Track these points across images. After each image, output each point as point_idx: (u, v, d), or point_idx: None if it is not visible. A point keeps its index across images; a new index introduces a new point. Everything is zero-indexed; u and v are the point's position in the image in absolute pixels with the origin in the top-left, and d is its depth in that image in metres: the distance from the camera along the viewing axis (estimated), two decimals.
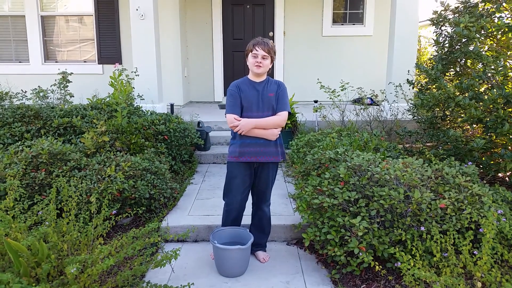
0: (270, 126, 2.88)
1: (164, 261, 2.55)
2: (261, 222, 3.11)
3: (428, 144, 4.70)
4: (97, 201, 3.22)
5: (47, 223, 2.59)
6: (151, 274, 2.87)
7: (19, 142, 4.19)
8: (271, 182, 3.06)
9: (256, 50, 2.82)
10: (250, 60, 2.87)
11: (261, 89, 2.90)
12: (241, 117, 2.87)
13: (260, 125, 2.86)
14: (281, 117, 2.90)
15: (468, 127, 4.43)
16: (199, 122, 5.65)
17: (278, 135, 2.95)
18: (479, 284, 2.39)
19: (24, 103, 5.34)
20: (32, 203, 3.28)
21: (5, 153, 3.74)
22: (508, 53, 4.23)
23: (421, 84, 4.95)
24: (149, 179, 3.70)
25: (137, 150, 4.37)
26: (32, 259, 2.27)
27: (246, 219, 3.27)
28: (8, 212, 2.64)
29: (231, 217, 3.07)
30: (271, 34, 8.28)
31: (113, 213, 3.03)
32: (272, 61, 2.91)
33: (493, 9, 4.19)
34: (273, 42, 8.19)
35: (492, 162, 3.82)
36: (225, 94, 8.51)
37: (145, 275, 2.86)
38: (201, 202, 4.00)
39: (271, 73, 8.37)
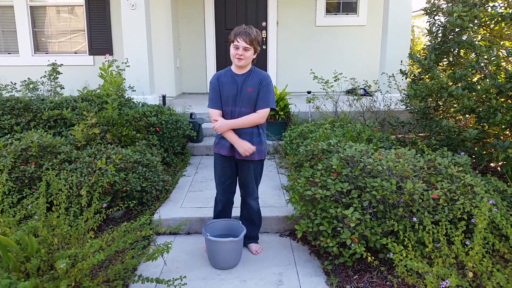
0: (246, 125, 2.79)
1: (156, 254, 2.53)
2: (250, 216, 3.08)
3: (420, 134, 4.70)
4: (87, 194, 3.19)
5: (36, 217, 2.56)
6: (143, 267, 2.85)
7: (9, 135, 4.13)
8: (256, 176, 2.98)
9: (238, 41, 2.66)
10: (232, 51, 2.72)
11: (241, 82, 2.77)
12: (222, 110, 2.83)
13: (236, 126, 2.78)
14: (259, 115, 2.77)
15: (461, 117, 4.43)
16: (191, 114, 5.60)
17: (260, 133, 2.87)
18: (471, 274, 2.40)
19: (14, 95, 5.26)
20: (22, 197, 3.24)
21: None
22: (501, 42, 4.22)
23: (414, 74, 4.93)
24: (140, 172, 3.67)
25: (128, 142, 4.33)
26: (21, 253, 2.24)
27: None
28: None
29: (217, 208, 3.07)
30: (264, 24, 8.21)
31: (104, 206, 3.00)
32: (256, 51, 2.75)
33: None
34: (261, 32, 8.11)
35: (484, 152, 3.82)
36: None
37: (137, 269, 2.84)
38: (194, 194, 3.97)
39: (264, 63, 8.32)
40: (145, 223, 2.80)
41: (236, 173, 3.00)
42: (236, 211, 3.26)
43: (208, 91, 8.41)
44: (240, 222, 3.08)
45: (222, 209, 3.09)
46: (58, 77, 5.91)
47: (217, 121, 2.80)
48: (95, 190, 3.23)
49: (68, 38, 8.08)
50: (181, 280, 2.47)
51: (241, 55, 2.68)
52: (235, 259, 2.92)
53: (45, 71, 5.97)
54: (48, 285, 2.11)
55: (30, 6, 7.84)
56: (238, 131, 2.81)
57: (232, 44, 2.72)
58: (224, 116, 2.84)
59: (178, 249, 3.14)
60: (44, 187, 2.69)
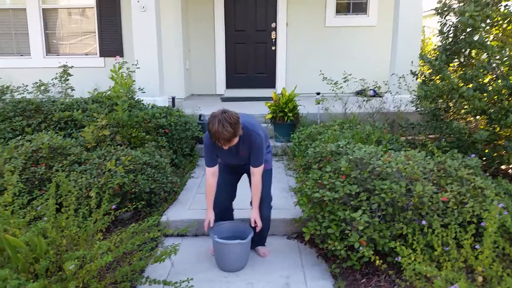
0: (260, 189, 2.91)
1: (164, 256, 2.54)
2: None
3: (430, 136, 4.65)
4: (97, 196, 3.21)
5: (46, 218, 2.58)
6: (150, 269, 2.87)
7: (20, 136, 4.18)
8: (265, 183, 2.99)
9: (220, 144, 2.64)
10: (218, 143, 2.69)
11: (234, 149, 2.81)
12: (220, 163, 2.98)
13: (258, 201, 2.93)
14: (258, 174, 2.87)
15: (472, 118, 4.37)
16: (200, 115, 5.62)
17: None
18: (480, 279, 2.36)
19: (25, 97, 5.33)
20: (32, 198, 3.27)
21: (5, 148, 3.74)
22: None
23: (425, 75, 4.89)
24: (149, 173, 3.69)
25: (137, 144, 4.36)
26: (30, 255, 2.27)
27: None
28: (7, 208, 2.64)
29: (216, 211, 3.04)
30: (273, 25, 8.20)
31: (113, 207, 3.02)
32: (239, 133, 2.67)
33: None
34: (270, 32, 8.09)
35: (495, 155, 3.77)
36: (227, 87, 8.46)
37: (144, 270, 2.86)
38: (202, 196, 3.97)
39: (273, 65, 8.31)
40: (153, 224, 2.81)
41: (237, 182, 3.16)
42: (240, 214, 3.26)
43: (216, 93, 8.37)
44: (249, 224, 3.07)
45: (218, 213, 3.07)
46: (68, 79, 5.97)
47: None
48: (105, 191, 3.26)
49: (79, 40, 8.16)
50: (188, 282, 2.48)
51: (229, 147, 2.69)
52: (242, 261, 2.91)
53: (56, 73, 6.04)
54: (56, 286, 2.13)
55: (42, 9, 7.93)
56: (242, 160, 2.92)
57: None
58: (226, 165, 3.05)
59: (186, 251, 3.15)
60: (53, 189, 2.71)
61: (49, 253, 2.29)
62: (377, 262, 2.57)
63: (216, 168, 2.93)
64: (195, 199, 3.89)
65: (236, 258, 2.87)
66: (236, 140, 2.66)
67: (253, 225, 2.91)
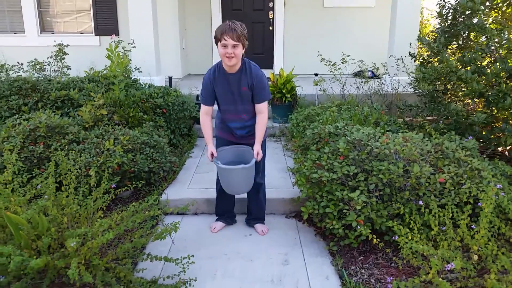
0: (264, 131, 2.91)
1: (164, 234, 2.56)
2: (257, 195, 3.11)
3: (428, 118, 4.67)
4: (96, 175, 3.22)
5: (46, 196, 2.59)
6: (151, 246, 2.90)
7: (17, 115, 4.15)
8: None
9: (225, 40, 2.58)
10: (220, 51, 2.65)
11: (235, 82, 2.78)
12: (218, 107, 2.98)
13: (261, 140, 2.91)
14: (264, 111, 2.87)
15: (469, 101, 4.39)
16: (198, 96, 5.60)
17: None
18: (476, 257, 2.42)
19: (21, 75, 5.27)
20: (31, 177, 3.27)
21: (2, 127, 3.72)
22: None
23: (423, 57, 4.88)
24: (148, 153, 3.69)
25: (135, 123, 4.34)
26: (32, 232, 2.29)
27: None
28: (7, 186, 2.64)
29: (219, 185, 3.10)
30: (271, 4, 8.10)
31: (112, 186, 3.03)
32: (244, 46, 2.67)
33: None
34: (267, 12, 8.01)
35: (492, 137, 3.81)
36: None
37: (145, 247, 2.89)
38: (200, 175, 4.00)
39: (270, 45, 8.24)
40: (153, 203, 2.83)
41: None
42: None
43: None
44: (250, 148, 3.01)
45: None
46: (64, 58, 5.90)
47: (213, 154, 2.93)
48: (104, 170, 3.27)
49: (73, 18, 8.02)
50: (189, 259, 2.52)
51: (231, 53, 2.62)
52: (247, 184, 2.89)
53: (52, 52, 5.96)
54: (59, 262, 2.15)
55: None
56: (241, 124, 2.95)
57: (219, 43, 2.64)
58: (227, 113, 2.95)
59: (186, 229, 3.18)
60: (53, 167, 2.72)
61: (51, 230, 2.31)
62: (374, 240, 2.62)
63: (211, 108, 2.93)
64: (194, 179, 3.91)
65: (242, 182, 2.85)
66: (241, 48, 2.64)
67: (255, 157, 2.87)
